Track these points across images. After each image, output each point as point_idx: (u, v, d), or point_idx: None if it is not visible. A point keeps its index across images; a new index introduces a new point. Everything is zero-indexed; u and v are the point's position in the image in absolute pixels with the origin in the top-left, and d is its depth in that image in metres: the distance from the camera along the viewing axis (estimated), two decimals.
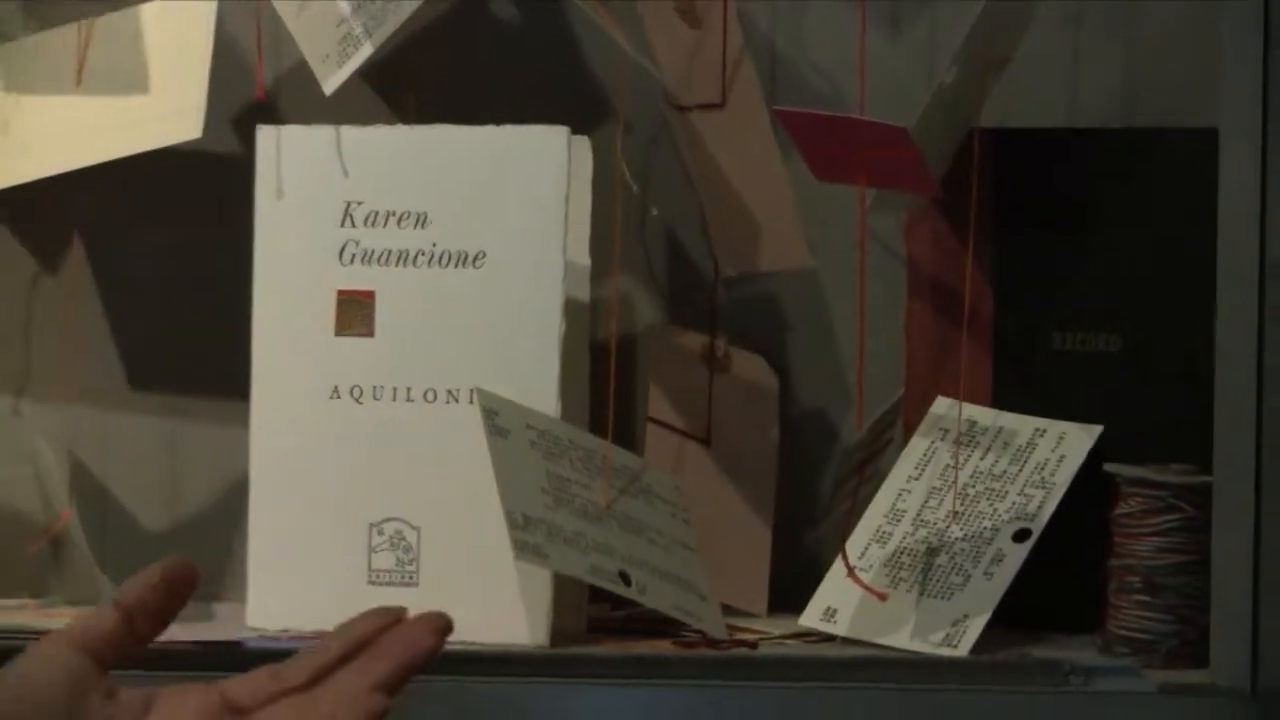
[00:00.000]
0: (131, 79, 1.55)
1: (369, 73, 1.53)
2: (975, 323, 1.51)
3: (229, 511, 1.62)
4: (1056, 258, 1.52)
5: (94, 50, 1.56)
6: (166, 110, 1.53)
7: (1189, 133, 1.43)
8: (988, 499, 1.42)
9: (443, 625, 1.08)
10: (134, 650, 1.10)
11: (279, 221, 1.47)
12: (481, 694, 1.35)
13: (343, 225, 1.45)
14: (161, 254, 1.66)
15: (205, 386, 1.66)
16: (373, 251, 1.45)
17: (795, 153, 1.44)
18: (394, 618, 1.08)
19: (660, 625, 1.41)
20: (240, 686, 1.10)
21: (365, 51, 1.46)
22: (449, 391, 1.43)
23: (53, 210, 1.62)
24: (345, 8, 1.48)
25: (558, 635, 1.40)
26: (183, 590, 1.09)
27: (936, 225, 1.53)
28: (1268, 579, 1.28)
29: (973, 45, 1.43)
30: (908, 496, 1.45)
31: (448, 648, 1.34)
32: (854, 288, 1.48)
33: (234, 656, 1.42)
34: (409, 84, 1.60)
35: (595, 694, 1.35)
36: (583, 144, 1.47)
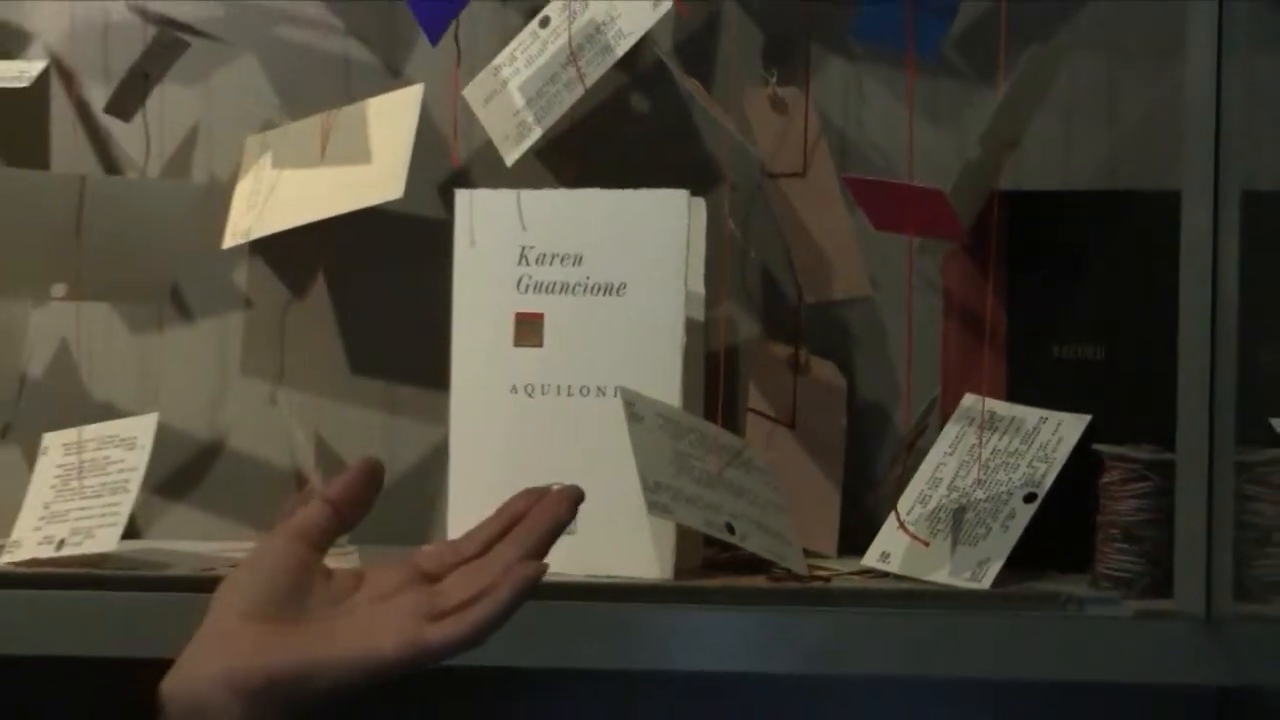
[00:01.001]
0: (357, 153, 1.54)
1: (540, 149, 1.52)
2: (994, 338, 1.50)
3: (434, 477, 1.62)
4: (1056, 288, 1.51)
5: (334, 133, 1.55)
6: (378, 177, 1.53)
7: (1158, 194, 1.40)
8: (1004, 470, 1.41)
9: (575, 495, 1.11)
10: (341, 535, 1.10)
11: (471, 260, 1.48)
12: (620, 614, 1.37)
13: (519, 264, 1.46)
14: (383, 285, 1.66)
15: (416, 383, 1.65)
16: (541, 283, 1.46)
17: (858, 210, 1.44)
18: (541, 493, 1.11)
19: (757, 564, 1.41)
20: (429, 558, 1.11)
21: (536, 133, 1.48)
22: (598, 388, 1.43)
23: (302, 250, 1.61)
24: (519, 101, 1.49)
25: (679, 571, 1.42)
26: (375, 483, 1.10)
27: (965, 264, 1.51)
28: (1217, 531, 1.29)
29: (992, 130, 1.44)
30: (944, 468, 1.44)
31: (598, 579, 1.42)
32: (903, 311, 1.49)
33: None
34: (569, 157, 1.59)
35: (707, 616, 1.36)
36: (699, 203, 1.47)
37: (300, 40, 1.66)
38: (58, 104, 1.66)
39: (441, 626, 1.04)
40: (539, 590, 1.30)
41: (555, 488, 1.13)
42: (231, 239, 1.54)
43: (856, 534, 1.49)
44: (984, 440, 1.42)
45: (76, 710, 1.53)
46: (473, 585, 1.08)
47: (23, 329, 1.65)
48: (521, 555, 1.09)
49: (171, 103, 1.64)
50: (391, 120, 1.52)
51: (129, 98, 1.59)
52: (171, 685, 1.05)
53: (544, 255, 1.45)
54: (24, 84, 1.56)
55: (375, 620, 1.06)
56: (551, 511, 1.11)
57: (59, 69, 1.64)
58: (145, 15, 1.62)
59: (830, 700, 1.58)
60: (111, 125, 1.63)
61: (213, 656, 1.05)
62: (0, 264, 1.50)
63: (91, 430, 1.49)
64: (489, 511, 1.32)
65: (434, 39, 1.48)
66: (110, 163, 1.65)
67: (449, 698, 1.57)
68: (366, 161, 1.52)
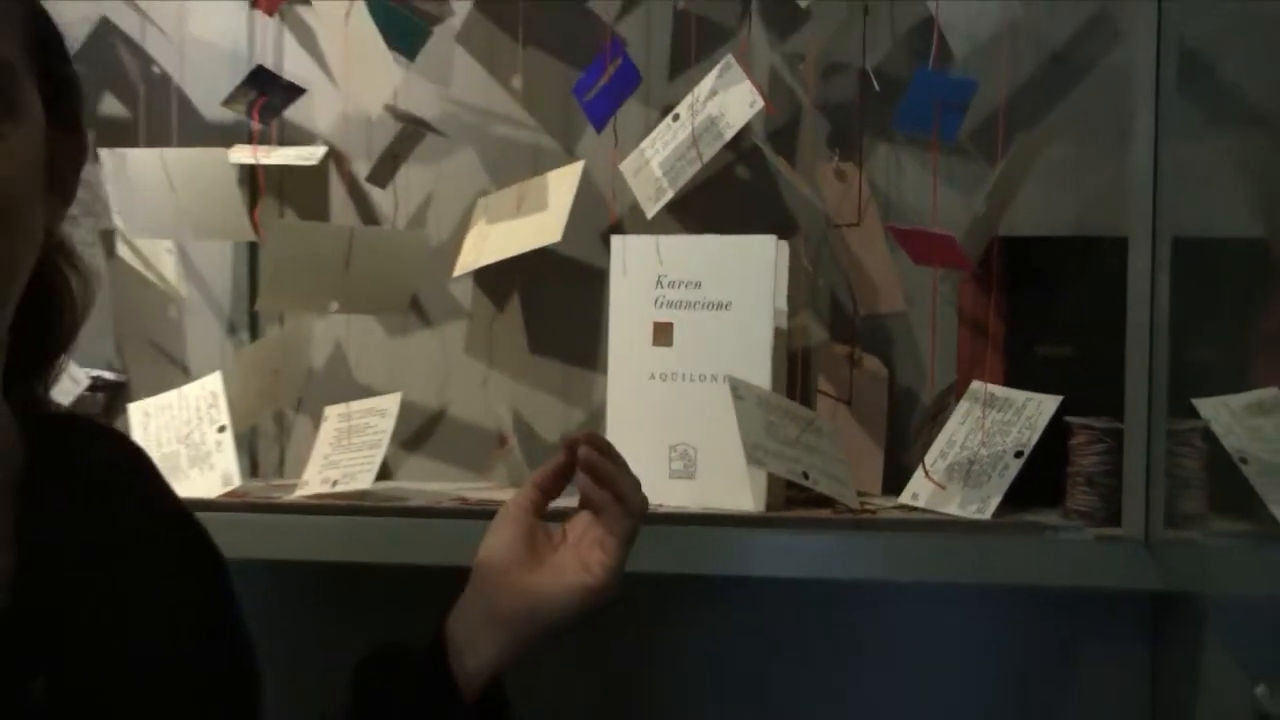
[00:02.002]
0: (538, 210, 1.55)
1: (671, 206, 1.51)
2: (994, 341, 1.50)
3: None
4: (1038, 306, 1.50)
5: (525, 197, 1.57)
6: (546, 226, 1.53)
7: (1112, 239, 1.40)
8: (1000, 435, 1.43)
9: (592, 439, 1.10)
10: (547, 504, 1.14)
11: (623, 285, 1.50)
12: (726, 537, 1.39)
13: (656, 287, 1.48)
14: (559, 302, 1.66)
15: (582, 369, 1.66)
16: (672, 301, 1.48)
17: (898, 249, 1.46)
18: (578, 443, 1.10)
19: (824, 501, 1.43)
20: (590, 500, 1.11)
21: (669, 195, 1.49)
22: (712, 376, 1.45)
23: (504, 278, 1.64)
24: (658, 172, 1.50)
25: (769, 505, 1.44)
26: (568, 473, 1.13)
27: (973, 288, 1.52)
28: (1153, 479, 1.32)
29: (993, 193, 1.44)
30: (957, 433, 1.45)
31: (711, 510, 1.42)
32: (929, 321, 1.55)
33: None
34: (692, 212, 1.59)
35: (787, 537, 1.38)
36: (783, 245, 1.47)
37: (503, 133, 1.67)
38: (333, 177, 1.68)
39: (619, 553, 1.09)
40: (671, 518, 1.40)
41: (579, 438, 1.13)
42: (460, 270, 1.57)
43: (894, 480, 1.51)
44: (986, 414, 1.44)
45: (346, 608, 1.52)
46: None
47: (309, 334, 1.68)
48: (625, 502, 1.11)
49: (413, 176, 1.66)
50: (561, 187, 1.55)
51: (383, 172, 1.63)
52: (453, 624, 1.09)
53: (674, 281, 1.48)
54: (313, 163, 1.60)
55: (582, 558, 1.10)
56: (587, 457, 1.12)
57: (334, 153, 1.67)
58: (395, 114, 1.63)
59: (876, 599, 1.56)
60: (371, 192, 1.67)
61: (480, 602, 1.09)
62: (294, 288, 1.52)
63: (356, 404, 1.53)
64: (639, 461, 1.28)
65: (599, 129, 1.53)
66: (370, 217, 1.68)
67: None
68: (543, 217, 1.54)
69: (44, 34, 0.91)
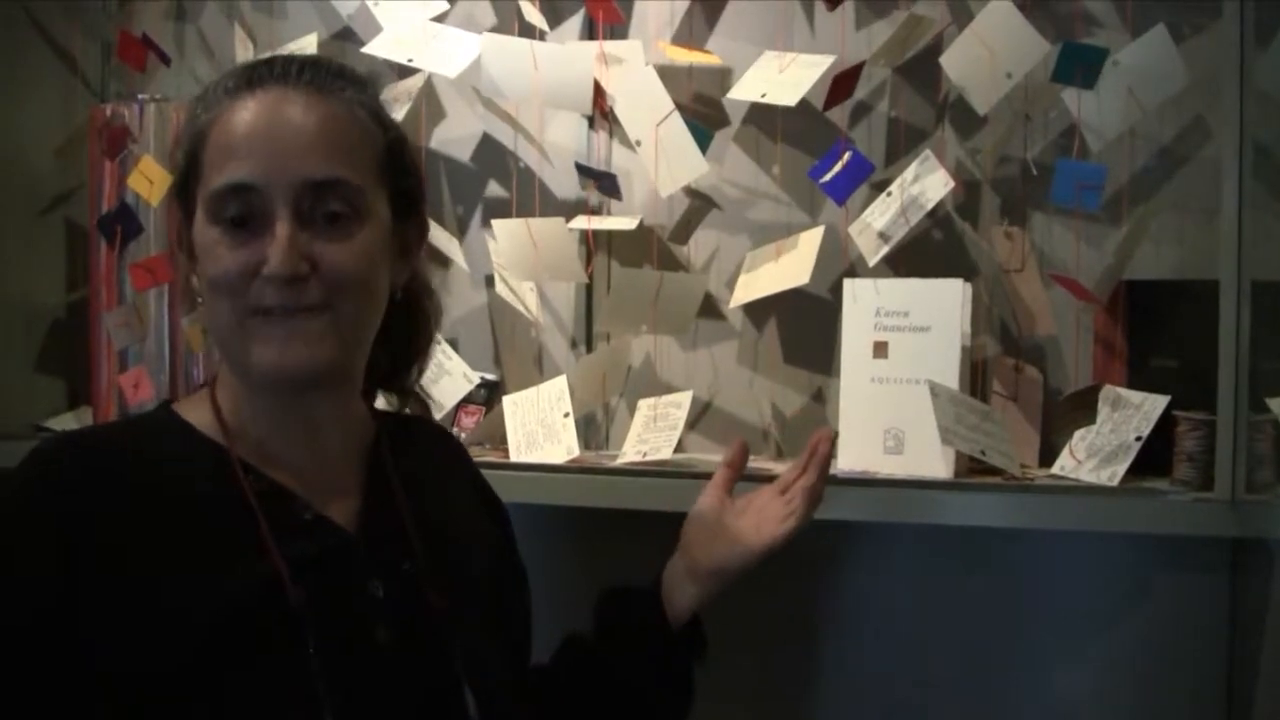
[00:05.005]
0: (791, 259, 1.64)
1: (887, 258, 1.59)
2: (1119, 354, 1.58)
3: (827, 423, 1.70)
4: (1152, 329, 1.55)
5: (783, 252, 1.66)
6: (797, 271, 1.62)
7: (1206, 282, 1.43)
8: (1125, 424, 1.49)
9: (831, 435, 1.17)
10: (734, 480, 1.19)
11: (853, 313, 1.59)
12: (926, 496, 1.47)
13: (875, 315, 1.57)
14: (805, 324, 1.73)
15: (822, 375, 1.75)
16: (887, 325, 1.57)
17: (1052, 289, 1.58)
18: (822, 435, 1.15)
19: (996, 470, 1.48)
20: (784, 480, 1.17)
21: (885, 249, 1.58)
22: (917, 380, 1.53)
23: (763, 310, 1.74)
24: (877, 232, 1.58)
25: (956, 473, 1.52)
26: (745, 458, 1.20)
27: (1105, 316, 1.59)
28: (1237, 457, 1.38)
29: (1120, 248, 1.56)
30: (1097, 423, 1.50)
31: (915, 477, 1.46)
32: (1074, 342, 1.62)
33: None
34: (902, 261, 1.66)
35: (968, 495, 1.46)
36: (968, 286, 1.55)
37: (765, 206, 1.77)
38: (645, 238, 1.76)
39: (786, 523, 1.16)
40: (885, 482, 1.47)
41: (825, 433, 1.21)
42: (735, 303, 1.68)
43: (1047, 456, 1.58)
44: (1115, 410, 1.50)
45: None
46: (797, 498, 1.18)
47: (628, 348, 1.77)
48: (814, 479, 1.18)
49: (701, 237, 1.79)
50: (808, 244, 1.64)
51: (679, 234, 1.78)
52: (665, 576, 1.17)
53: (889, 311, 1.57)
54: (630, 228, 1.71)
55: (758, 526, 1.16)
56: (825, 451, 1.20)
57: (645, 222, 1.76)
58: (688, 193, 1.74)
59: (1029, 542, 1.61)
60: (671, 248, 1.79)
61: (682, 561, 1.16)
62: (620, 316, 1.67)
63: (662, 399, 1.65)
64: (859, 444, 1.51)
65: (840, 202, 1.62)
66: (670, 266, 1.77)
67: (830, 535, 1.57)
68: (795, 265, 1.63)
69: (394, 156, 1.00)
